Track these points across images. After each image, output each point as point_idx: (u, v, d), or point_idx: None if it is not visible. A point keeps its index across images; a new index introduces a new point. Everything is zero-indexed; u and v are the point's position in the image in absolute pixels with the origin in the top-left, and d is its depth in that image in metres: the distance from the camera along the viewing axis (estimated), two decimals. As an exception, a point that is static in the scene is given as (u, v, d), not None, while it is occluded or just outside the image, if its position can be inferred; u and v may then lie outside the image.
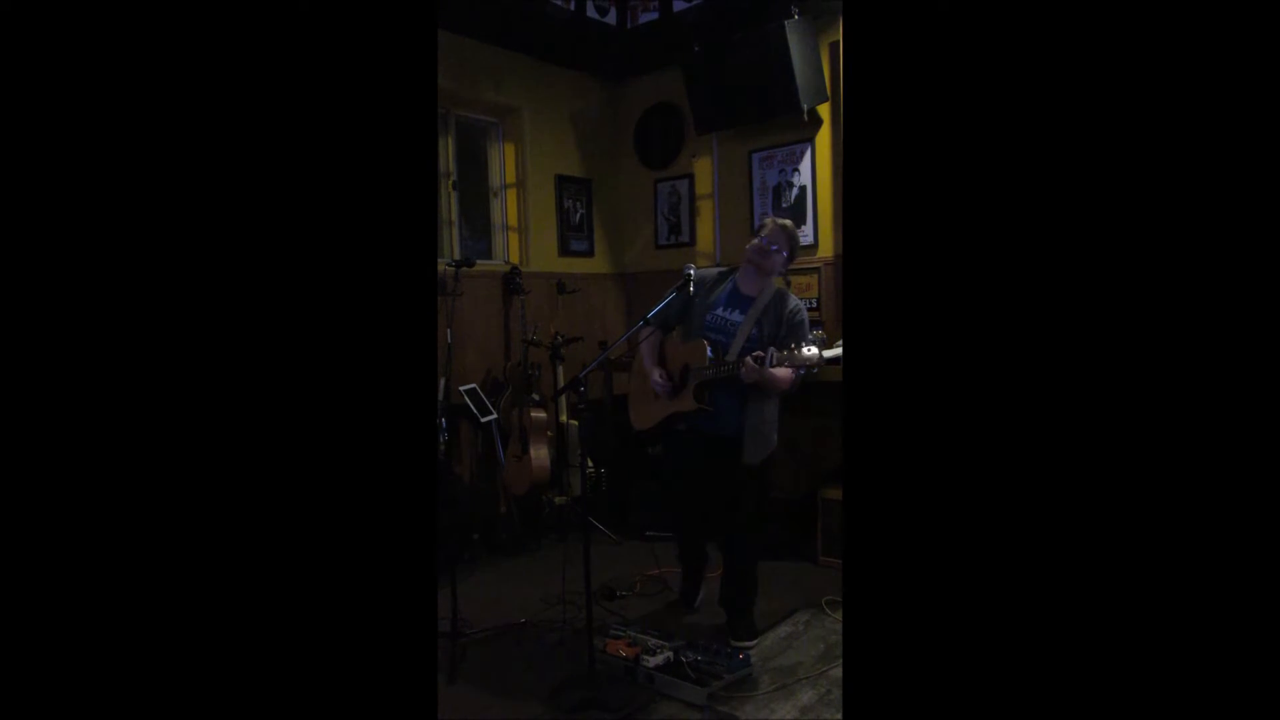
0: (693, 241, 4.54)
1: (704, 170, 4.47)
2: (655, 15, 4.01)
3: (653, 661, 2.41)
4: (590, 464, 3.84)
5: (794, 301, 2.69)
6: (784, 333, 2.60)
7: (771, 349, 2.39)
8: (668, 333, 2.82)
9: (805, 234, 4.04)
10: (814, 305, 3.98)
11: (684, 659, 2.39)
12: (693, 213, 4.56)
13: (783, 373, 2.45)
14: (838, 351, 3.52)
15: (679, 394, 2.65)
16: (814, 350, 2.32)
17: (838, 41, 3.75)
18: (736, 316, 2.67)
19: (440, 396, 3.47)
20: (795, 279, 4.04)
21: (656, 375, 2.70)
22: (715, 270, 2.88)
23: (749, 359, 2.40)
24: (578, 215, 4.73)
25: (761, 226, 2.76)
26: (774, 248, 2.66)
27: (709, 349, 2.58)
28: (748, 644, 2.65)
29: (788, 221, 2.78)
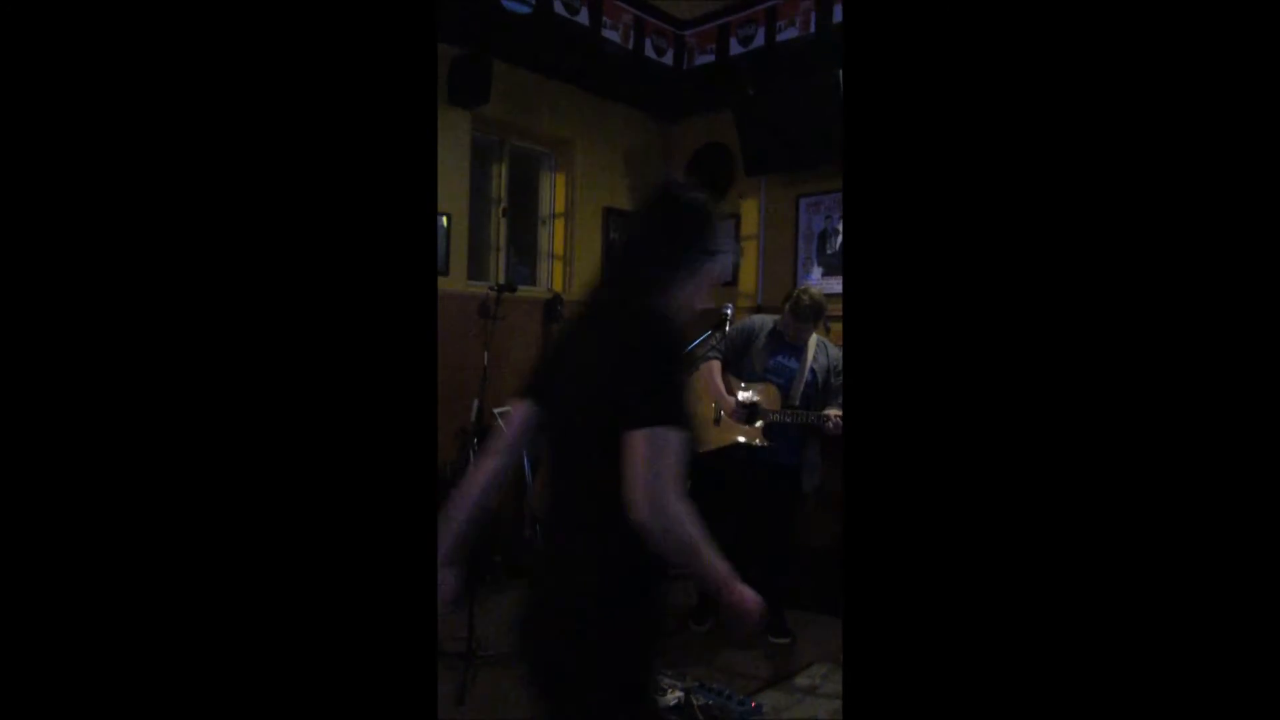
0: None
1: (750, 211, 4.49)
2: (711, 58, 4.08)
3: (664, 701, 2.37)
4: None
5: (834, 350, 3.15)
6: (835, 380, 3.04)
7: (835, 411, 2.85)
8: (728, 367, 3.16)
9: (848, 280, 4.03)
10: (853, 352, 3.95)
11: (695, 701, 2.35)
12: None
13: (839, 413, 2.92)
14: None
15: (742, 426, 3.00)
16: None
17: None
18: (794, 364, 3.08)
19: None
20: (835, 325, 4.02)
21: (734, 403, 3.04)
22: (759, 317, 3.21)
23: (835, 418, 2.83)
24: (440, 221, 4.75)
25: (797, 300, 3.04)
26: (806, 326, 3.07)
27: (779, 395, 2.99)
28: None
29: (815, 292, 3.07)
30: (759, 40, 3.88)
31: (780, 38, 3.75)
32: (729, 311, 2.99)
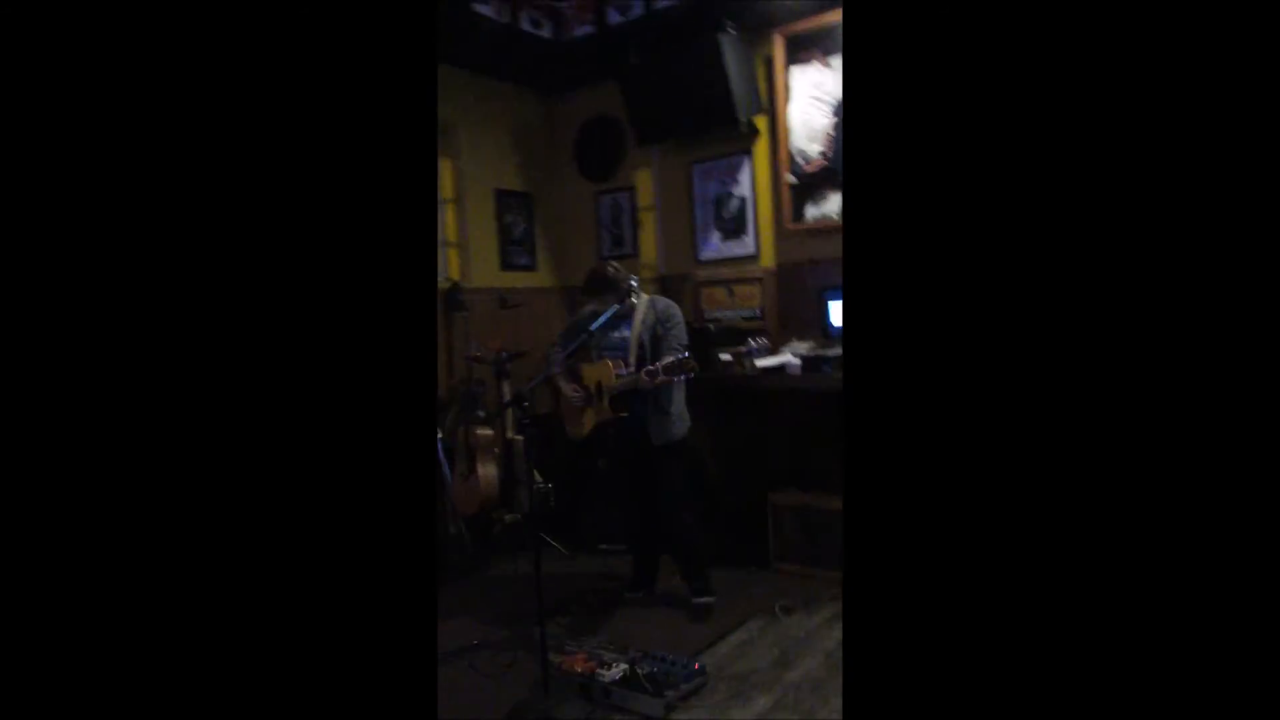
0: (636, 253, 4.55)
1: (645, 182, 4.49)
2: (591, 28, 4.02)
3: (608, 675, 2.38)
4: (539, 479, 3.80)
5: (662, 303, 3.16)
6: (660, 332, 3.07)
7: (659, 365, 2.84)
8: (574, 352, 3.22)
9: (746, 244, 4.10)
10: (758, 315, 4.03)
11: (640, 671, 2.38)
12: (635, 224, 4.58)
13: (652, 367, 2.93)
14: (781, 359, 3.57)
15: (598, 407, 3.09)
16: (672, 358, 2.85)
17: (771, 56, 3.83)
18: (625, 333, 3.14)
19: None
20: (738, 288, 4.09)
21: (570, 389, 3.15)
22: (589, 307, 3.21)
23: (643, 374, 2.86)
24: (519, 229, 4.70)
25: (585, 281, 3.15)
26: (607, 298, 3.08)
27: (614, 367, 3.04)
28: (706, 599, 3.07)
29: (603, 267, 3.16)
30: (637, 9, 3.84)
31: (658, 5, 3.73)
32: (634, 283, 3.05)
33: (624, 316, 3.11)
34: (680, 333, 3.09)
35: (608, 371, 3.05)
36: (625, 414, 3.02)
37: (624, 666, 2.42)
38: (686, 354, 2.84)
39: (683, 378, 2.86)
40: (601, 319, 2.95)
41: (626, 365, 3.04)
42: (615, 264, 3.21)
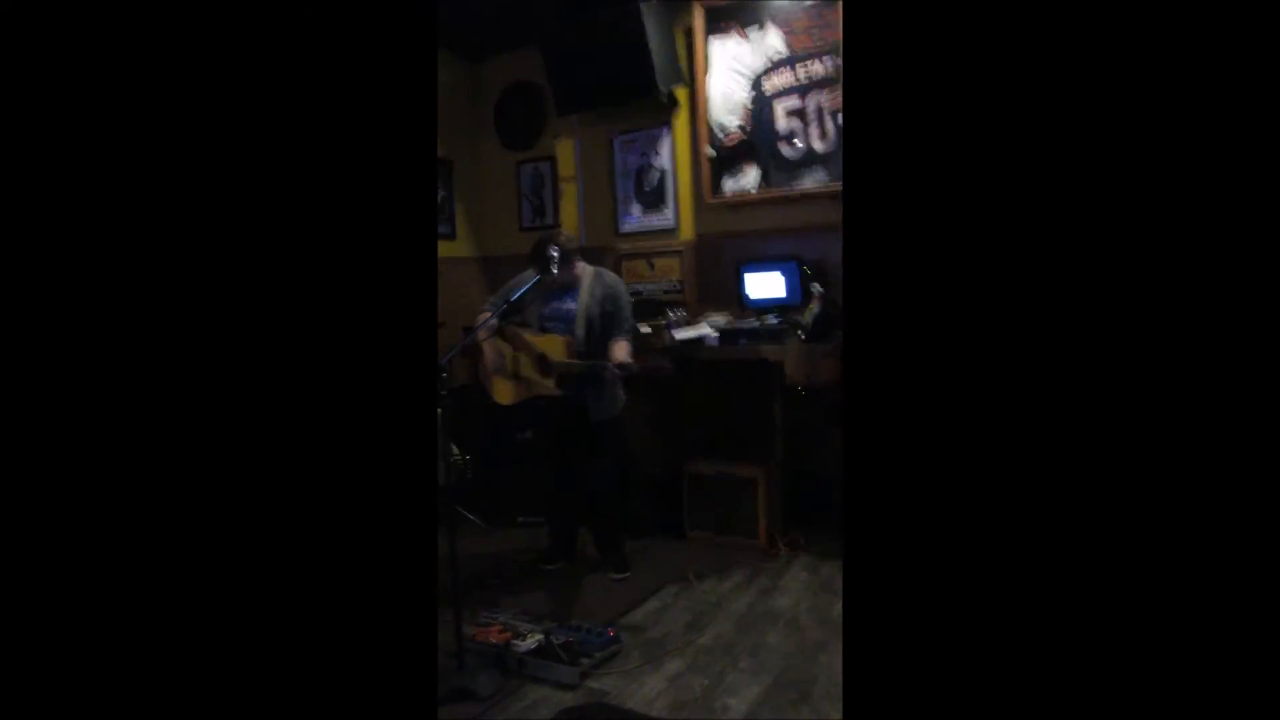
0: (556, 224, 4.51)
1: (566, 152, 4.44)
2: (511, -8, 3.93)
3: (523, 646, 2.41)
4: (456, 452, 3.76)
5: (609, 276, 3.11)
6: (610, 308, 3.02)
7: (633, 363, 2.87)
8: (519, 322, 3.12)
9: (667, 217, 4.11)
10: (678, 287, 4.07)
11: (555, 640, 2.41)
12: (556, 194, 4.53)
13: (623, 358, 2.92)
14: (699, 332, 3.63)
15: (536, 381, 3.00)
16: (624, 345, 2.95)
17: (691, 27, 3.83)
18: (570, 304, 3.04)
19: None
20: (658, 261, 4.11)
21: (491, 355, 3.03)
22: (526, 273, 3.07)
23: (613, 367, 2.85)
24: (438, 197, 4.58)
25: (539, 252, 2.96)
26: (560, 269, 2.95)
27: (567, 344, 2.96)
28: (624, 575, 3.11)
29: (559, 236, 3.03)
30: (559, -28, 3.77)
31: (579, -30, 3.67)
32: (554, 252, 2.95)
33: (567, 287, 3.04)
34: (629, 310, 3.07)
35: (558, 347, 2.96)
36: (568, 393, 2.96)
37: (539, 636, 2.45)
38: (644, 333, 2.85)
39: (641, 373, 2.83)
40: (521, 290, 2.86)
41: (575, 340, 2.97)
42: (567, 234, 3.13)
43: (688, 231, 4.06)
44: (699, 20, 3.80)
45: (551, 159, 4.51)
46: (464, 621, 2.34)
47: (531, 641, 2.43)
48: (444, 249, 4.57)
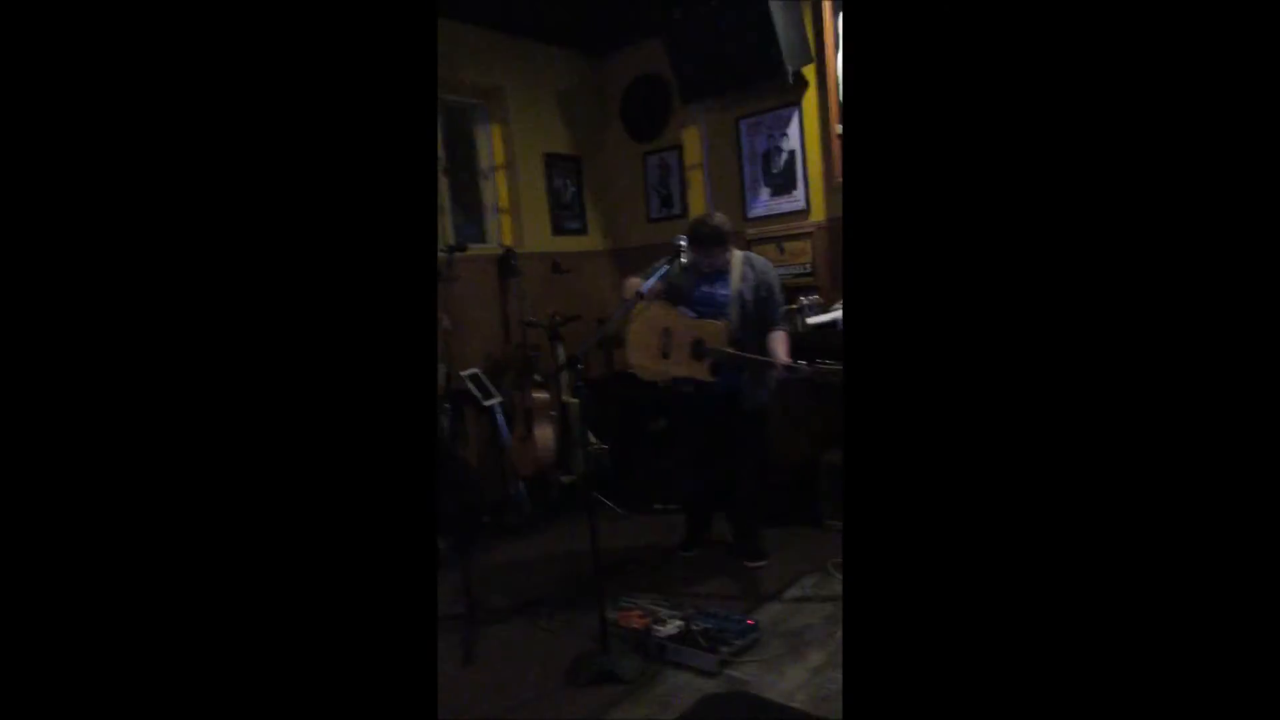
0: (684, 213, 4.52)
1: (692, 140, 4.44)
2: (634, -15, 3.96)
3: (664, 631, 2.46)
4: (593, 441, 3.88)
5: (759, 261, 3.06)
6: (764, 294, 2.97)
7: (803, 362, 2.82)
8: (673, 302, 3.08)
9: (796, 199, 4.02)
10: (808, 271, 3.98)
11: (694, 627, 2.44)
12: (683, 184, 4.54)
13: (787, 357, 2.86)
14: (834, 315, 3.53)
15: (690, 362, 2.95)
16: (784, 337, 2.89)
17: (819, 3, 3.71)
18: (721, 291, 2.98)
19: (441, 382, 3.49)
20: (788, 245, 4.04)
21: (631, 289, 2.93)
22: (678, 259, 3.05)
23: (781, 369, 2.79)
24: (569, 193, 4.71)
25: (698, 232, 2.94)
26: (714, 252, 2.94)
27: (725, 329, 2.88)
28: (760, 563, 3.11)
29: (717, 218, 2.99)
30: (680, -39, 3.76)
31: (701, -44, 3.65)
32: (682, 242, 2.86)
33: (719, 273, 2.98)
34: (782, 297, 3.03)
35: (716, 332, 2.88)
36: (714, 380, 2.91)
37: (679, 623, 2.49)
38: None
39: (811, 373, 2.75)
40: (653, 278, 2.78)
41: (731, 326, 2.91)
42: (723, 216, 3.04)
43: (819, 213, 3.96)
44: (827, -6, 3.68)
45: (678, 148, 4.52)
46: (606, 607, 2.42)
47: (672, 627, 2.48)
48: (575, 244, 4.70)
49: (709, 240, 2.91)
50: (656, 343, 3.05)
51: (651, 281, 2.78)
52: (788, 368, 2.76)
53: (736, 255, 3.03)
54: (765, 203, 4.16)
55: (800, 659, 2.36)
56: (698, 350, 2.93)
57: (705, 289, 3.01)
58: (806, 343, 3.43)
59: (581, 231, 4.78)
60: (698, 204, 4.46)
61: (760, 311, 2.96)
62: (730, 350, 2.86)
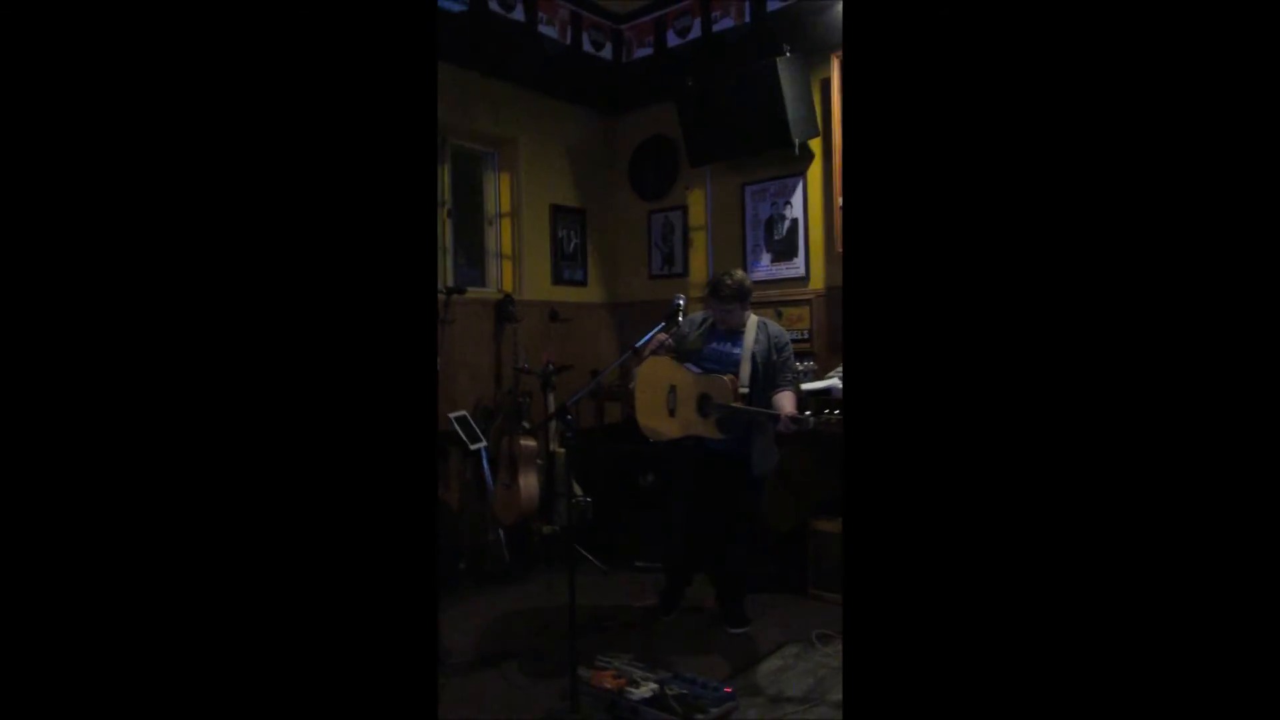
0: (685, 272, 4.57)
1: (697, 202, 4.51)
2: (650, 50, 4.09)
3: (637, 694, 2.37)
4: (578, 493, 3.82)
5: (774, 327, 3.07)
6: (776, 357, 2.96)
7: (809, 413, 2.73)
8: (680, 358, 3.08)
9: (796, 266, 4.07)
10: (806, 337, 4.00)
11: (669, 691, 2.36)
12: (686, 244, 4.60)
13: (793, 411, 2.82)
14: (828, 383, 3.53)
15: (698, 420, 2.90)
16: (791, 396, 2.87)
17: (828, 79, 3.82)
18: (733, 350, 2.98)
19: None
20: (786, 310, 4.07)
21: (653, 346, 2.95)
22: (700, 313, 3.15)
23: (787, 421, 2.70)
24: (571, 244, 4.76)
25: (720, 285, 2.96)
26: (733, 308, 2.96)
27: (731, 384, 2.85)
28: (742, 629, 3.06)
29: (739, 274, 3.00)
30: (696, 32, 3.90)
31: (716, 28, 3.78)
32: (680, 302, 2.92)
33: (733, 332, 2.99)
34: (794, 360, 3.03)
35: (723, 388, 2.83)
36: (727, 437, 2.86)
37: (653, 686, 2.41)
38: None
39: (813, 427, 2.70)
40: (646, 337, 2.81)
41: (739, 383, 2.88)
42: (744, 274, 3.03)
43: (818, 281, 4.00)
44: (837, 72, 3.79)
45: (683, 208, 4.60)
46: (579, 664, 2.34)
47: (645, 691, 2.39)
48: (575, 294, 4.73)
49: (729, 296, 2.92)
50: (662, 400, 3.01)
51: (647, 339, 2.79)
52: (793, 419, 2.72)
53: (752, 318, 3.04)
54: (766, 267, 4.21)
55: (777, 732, 2.27)
56: (703, 406, 2.89)
57: (716, 345, 3.00)
58: (802, 408, 3.41)
59: (582, 282, 4.82)
60: (699, 264, 4.51)
61: (769, 373, 2.95)
62: (736, 405, 2.81)
